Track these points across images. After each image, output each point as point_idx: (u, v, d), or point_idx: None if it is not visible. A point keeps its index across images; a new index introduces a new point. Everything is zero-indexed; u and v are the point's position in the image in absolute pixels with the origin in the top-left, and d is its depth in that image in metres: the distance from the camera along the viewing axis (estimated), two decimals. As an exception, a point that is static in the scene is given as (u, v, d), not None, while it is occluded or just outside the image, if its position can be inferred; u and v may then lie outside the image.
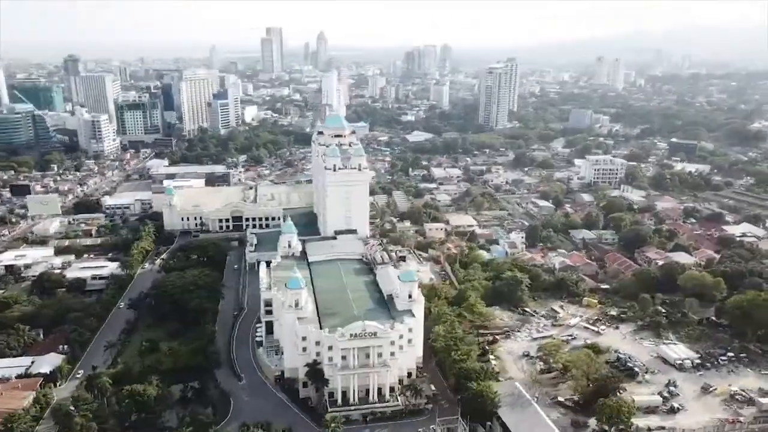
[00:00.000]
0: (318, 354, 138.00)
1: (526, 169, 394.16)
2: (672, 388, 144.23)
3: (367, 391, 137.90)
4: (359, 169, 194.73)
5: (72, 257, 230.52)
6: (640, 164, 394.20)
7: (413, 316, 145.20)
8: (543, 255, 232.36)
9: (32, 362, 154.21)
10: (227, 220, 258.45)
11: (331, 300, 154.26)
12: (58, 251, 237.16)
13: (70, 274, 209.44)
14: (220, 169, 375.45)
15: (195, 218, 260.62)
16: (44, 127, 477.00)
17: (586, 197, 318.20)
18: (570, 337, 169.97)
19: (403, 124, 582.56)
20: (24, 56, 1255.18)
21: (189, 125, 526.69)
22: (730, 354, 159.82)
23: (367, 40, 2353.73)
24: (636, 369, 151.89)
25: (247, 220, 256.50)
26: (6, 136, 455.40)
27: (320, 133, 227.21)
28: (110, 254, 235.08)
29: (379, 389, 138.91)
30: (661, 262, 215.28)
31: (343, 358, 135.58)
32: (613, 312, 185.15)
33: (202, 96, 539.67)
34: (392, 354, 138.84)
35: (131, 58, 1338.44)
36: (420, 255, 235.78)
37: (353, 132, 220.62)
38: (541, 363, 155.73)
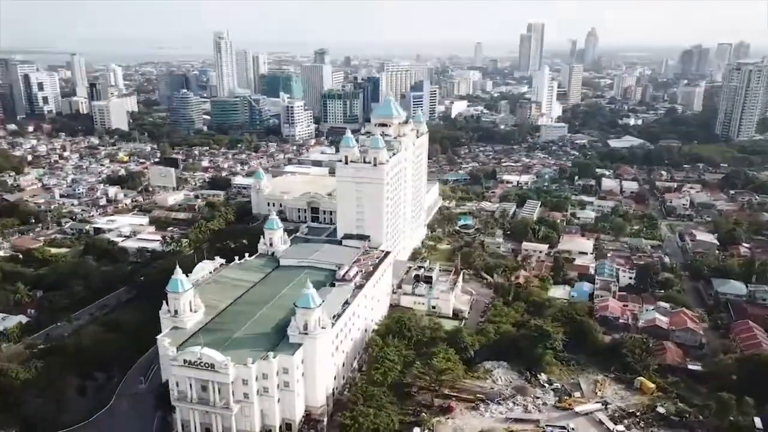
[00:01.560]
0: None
1: (732, 192, 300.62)
2: None
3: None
4: (374, 164, 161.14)
5: (152, 228, 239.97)
6: None
7: (292, 354, 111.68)
8: (639, 306, 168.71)
9: (3, 318, 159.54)
10: (305, 211, 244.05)
11: (236, 313, 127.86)
12: (152, 221, 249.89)
13: (125, 243, 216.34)
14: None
15: (280, 205, 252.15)
16: (257, 110, 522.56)
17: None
18: (558, 430, 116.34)
19: (618, 128, 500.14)
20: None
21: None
22: None
23: (651, 39, 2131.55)
24: None
25: (324, 212, 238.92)
26: (224, 117, 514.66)
27: (367, 120, 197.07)
28: (188, 230, 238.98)
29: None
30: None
31: (190, 386, 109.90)
32: (663, 409, 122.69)
33: (402, 87, 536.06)
34: (246, 396, 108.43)
35: (411, 54, 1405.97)
36: (484, 279, 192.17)
37: (405, 122, 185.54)
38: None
